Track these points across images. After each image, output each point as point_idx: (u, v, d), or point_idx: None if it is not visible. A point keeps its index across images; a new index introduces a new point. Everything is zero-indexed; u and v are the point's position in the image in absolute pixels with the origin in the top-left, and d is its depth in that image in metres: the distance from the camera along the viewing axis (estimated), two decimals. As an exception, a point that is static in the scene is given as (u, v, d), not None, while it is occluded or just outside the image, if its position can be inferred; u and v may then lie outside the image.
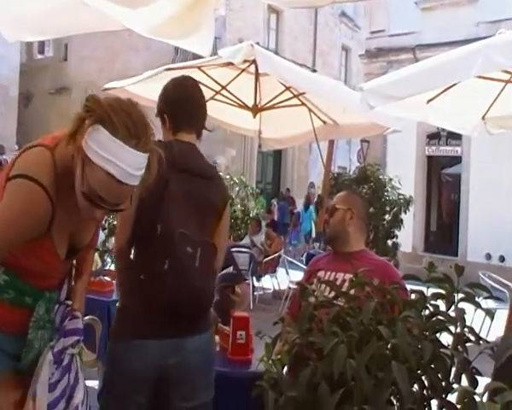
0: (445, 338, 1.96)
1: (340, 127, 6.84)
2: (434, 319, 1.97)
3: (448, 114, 5.52)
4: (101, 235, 5.27)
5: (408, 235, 13.49)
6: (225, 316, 3.05)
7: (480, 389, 1.60)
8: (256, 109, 6.55)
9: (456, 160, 15.21)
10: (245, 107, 6.61)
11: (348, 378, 1.84)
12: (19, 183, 1.77)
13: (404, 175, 11.90)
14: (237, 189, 12.14)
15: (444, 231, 16.23)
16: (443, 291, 1.94)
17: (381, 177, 11.50)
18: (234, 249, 6.12)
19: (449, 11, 14.35)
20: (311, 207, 19.07)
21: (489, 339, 2.01)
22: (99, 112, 1.71)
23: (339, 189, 9.30)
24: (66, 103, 20.46)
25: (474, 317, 2.19)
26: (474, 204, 14.23)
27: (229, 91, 6.53)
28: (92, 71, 19.71)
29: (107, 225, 7.52)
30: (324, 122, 6.78)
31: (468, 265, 8.96)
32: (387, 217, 11.23)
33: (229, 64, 5.81)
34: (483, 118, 5.65)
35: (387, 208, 11.22)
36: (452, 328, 1.93)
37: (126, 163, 1.70)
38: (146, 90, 5.59)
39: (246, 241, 11.02)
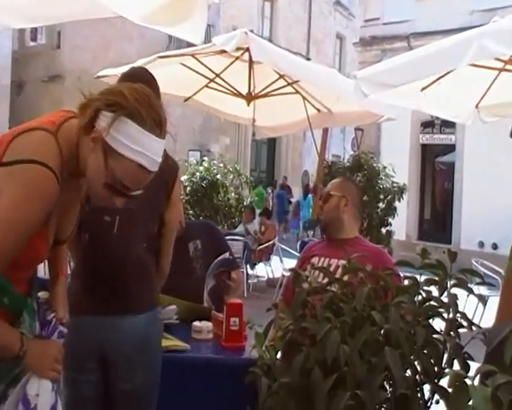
0: (438, 324, 1.98)
1: (334, 115, 6.84)
2: (427, 304, 1.98)
3: (442, 103, 5.52)
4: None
5: (402, 223, 13.54)
6: (219, 303, 3.06)
7: (471, 374, 1.61)
8: (250, 97, 6.54)
9: (450, 148, 15.23)
10: (239, 95, 6.60)
11: (341, 364, 1.85)
12: (28, 168, 1.63)
13: (398, 163, 11.91)
14: (231, 177, 12.12)
15: (437, 219, 16.28)
16: (436, 277, 1.95)
17: (374, 165, 11.51)
18: (228, 237, 6.12)
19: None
20: (310, 196, 19.15)
21: (482, 326, 2.02)
22: (127, 106, 1.68)
23: (333, 177, 9.28)
24: (59, 91, 20.36)
25: (466, 304, 2.21)
26: (467, 192, 14.28)
27: (223, 79, 6.52)
28: (85, 59, 19.57)
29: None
30: (318, 110, 6.78)
31: (462, 252, 8.97)
32: (381, 205, 11.25)
33: (223, 52, 5.78)
34: (477, 106, 5.66)
35: (381, 196, 11.24)
36: (445, 314, 1.94)
37: (154, 152, 1.71)
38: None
39: (240, 229, 11.02)
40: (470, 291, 1.94)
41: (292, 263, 8.15)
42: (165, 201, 2.49)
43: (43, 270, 2.14)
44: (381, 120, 6.93)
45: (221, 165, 12.16)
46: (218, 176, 11.68)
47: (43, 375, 1.70)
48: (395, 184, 11.27)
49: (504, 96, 5.26)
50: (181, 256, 3.34)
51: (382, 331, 1.91)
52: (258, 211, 12.31)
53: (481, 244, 13.73)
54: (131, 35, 18.13)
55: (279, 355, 2.25)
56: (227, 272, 3.25)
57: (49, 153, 1.68)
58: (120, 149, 1.68)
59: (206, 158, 13.01)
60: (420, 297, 2.00)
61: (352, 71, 8.88)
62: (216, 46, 5.58)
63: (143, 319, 2.37)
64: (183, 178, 11.26)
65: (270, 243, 10.94)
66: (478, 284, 2.06)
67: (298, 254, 8.61)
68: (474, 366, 1.77)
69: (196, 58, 6.09)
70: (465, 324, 1.93)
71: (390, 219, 11.32)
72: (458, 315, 1.92)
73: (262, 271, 11.11)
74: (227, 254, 3.41)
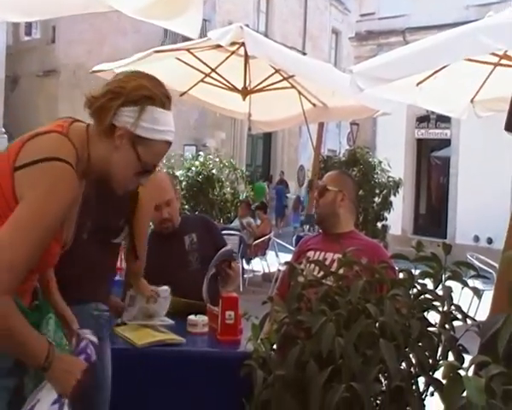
0: (433, 317, 1.99)
1: (329, 110, 6.84)
2: (422, 297, 1.99)
3: (437, 97, 5.53)
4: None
5: (397, 217, 13.57)
6: (214, 297, 3.06)
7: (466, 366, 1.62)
8: (246, 92, 6.52)
9: (446, 143, 15.26)
10: (234, 89, 6.58)
11: (336, 356, 1.86)
12: (49, 165, 1.63)
13: (394, 158, 11.93)
14: (227, 172, 12.12)
15: (433, 213, 16.32)
16: (431, 270, 1.96)
17: (370, 159, 11.54)
18: (223, 232, 6.10)
19: (438, -6, 14.33)
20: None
21: (477, 319, 2.03)
22: (150, 95, 1.77)
23: (328, 171, 9.32)
24: (54, 86, 20.30)
25: (460, 297, 2.22)
26: (462, 187, 14.32)
27: (218, 74, 6.50)
28: (80, 53, 19.49)
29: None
30: (314, 105, 6.77)
31: (457, 247, 8.99)
32: (377, 200, 11.28)
33: (219, 46, 5.76)
34: (472, 101, 5.66)
35: (377, 191, 11.27)
36: (440, 307, 1.95)
37: (172, 125, 1.84)
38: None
39: (235, 224, 11.02)
40: (465, 284, 1.95)
41: (287, 258, 8.16)
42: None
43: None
44: (376, 115, 6.93)
45: (217, 160, 12.15)
46: (214, 171, 11.68)
47: (63, 391, 1.68)
48: (391, 179, 11.29)
49: (499, 90, 5.26)
50: (176, 250, 3.35)
51: (377, 324, 1.92)
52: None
53: (476, 239, 13.77)
54: (126, 30, 18.08)
55: (274, 348, 2.26)
56: (228, 261, 3.26)
57: (68, 151, 1.70)
58: (149, 134, 1.78)
59: (201, 153, 13.01)
60: (415, 290, 2.01)
61: (347, 66, 8.88)
62: (211, 41, 5.56)
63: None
64: (179, 172, 11.26)
65: (266, 237, 10.94)
66: (472, 277, 2.07)
67: (293, 249, 8.63)
68: (468, 358, 1.78)
69: (192, 53, 6.07)
70: (459, 316, 1.94)
71: (386, 214, 11.35)
72: (453, 308, 1.93)
73: (258, 265, 11.12)
74: (229, 246, 3.43)
